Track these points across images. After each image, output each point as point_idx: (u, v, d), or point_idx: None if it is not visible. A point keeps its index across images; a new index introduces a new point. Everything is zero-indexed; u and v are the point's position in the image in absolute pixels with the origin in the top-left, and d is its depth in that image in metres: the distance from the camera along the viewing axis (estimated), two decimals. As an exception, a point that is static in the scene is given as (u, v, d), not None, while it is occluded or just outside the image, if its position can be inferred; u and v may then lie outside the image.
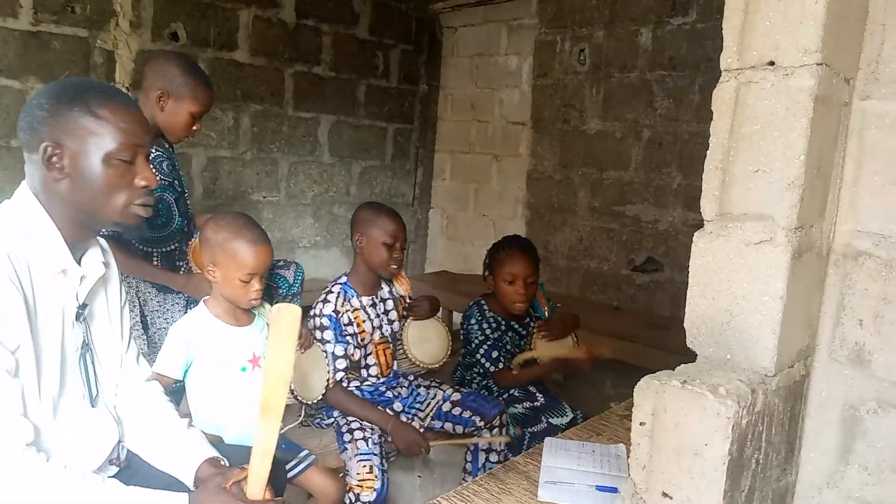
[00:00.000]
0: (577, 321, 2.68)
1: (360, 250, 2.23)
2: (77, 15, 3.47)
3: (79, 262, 1.30)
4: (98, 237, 1.39)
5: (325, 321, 2.15)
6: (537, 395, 2.52)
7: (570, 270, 4.44)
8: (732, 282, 1.18)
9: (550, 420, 2.42)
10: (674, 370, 1.20)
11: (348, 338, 2.18)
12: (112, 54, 3.59)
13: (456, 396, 2.31)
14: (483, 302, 2.57)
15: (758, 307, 1.15)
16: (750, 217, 1.16)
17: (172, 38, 3.82)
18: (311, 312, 2.18)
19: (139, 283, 2.29)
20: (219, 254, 1.79)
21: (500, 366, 2.46)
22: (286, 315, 1.28)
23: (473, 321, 2.52)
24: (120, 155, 1.24)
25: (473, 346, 2.48)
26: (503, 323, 2.56)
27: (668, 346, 2.97)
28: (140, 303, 2.30)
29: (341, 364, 2.14)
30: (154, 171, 2.21)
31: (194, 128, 2.30)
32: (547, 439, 1.93)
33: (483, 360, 2.47)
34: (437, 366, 2.44)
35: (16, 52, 3.31)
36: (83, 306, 1.31)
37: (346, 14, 4.64)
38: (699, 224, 1.26)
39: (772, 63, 1.15)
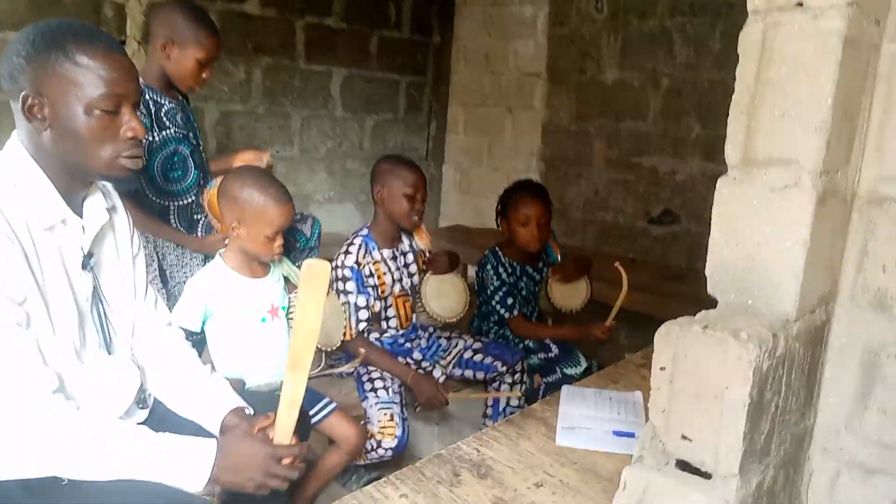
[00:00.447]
0: (590, 264, 2.75)
1: (382, 202, 2.23)
2: (86, -33, 3.43)
3: (80, 212, 1.28)
4: (102, 183, 1.35)
5: (348, 272, 2.17)
6: (551, 345, 2.56)
7: (585, 223, 4.42)
8: (755, 227, 1.18)
9: (565, 370, 2.46)
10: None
11: (369, 289, 2.20)
12: (122, 7, 3.55)
13: (477, 345, 2.35)
14: (497, 249, 2.63)
15: (781, 253, 1.15)
16: (775, 162, 1.15)
17: (182, -11, 3.76)
18: (333, 264, 2.20)
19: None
20: (247, 211, 1.80)
21: (515, 312, 2.52)
22: (315, 271, 1.29)
23: (489, 267, 2.58)
24: (102, 105, 1.18)
25: (489, 292, 2.53)
26: (518, 268, 2.62)
27: (684, 297, 2.99)
28: (158, 257, 2.32)
29: (363, 315, 2.17)
30: (168, 123, 2.24)
31: (203, 76, 2.26)
32: (564, 387, 1.96)
33: (498, 307, 2.52)
34: (454, 320, 2.47)
35: (26, 6, 3.28)
36: (89, 255, 1.29)
37: (358, -37, 4.55)
38: (718, 174, 1.24)
39: (800, 4, 1.12)
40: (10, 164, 1.20)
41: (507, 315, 2.52)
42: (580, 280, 2.69)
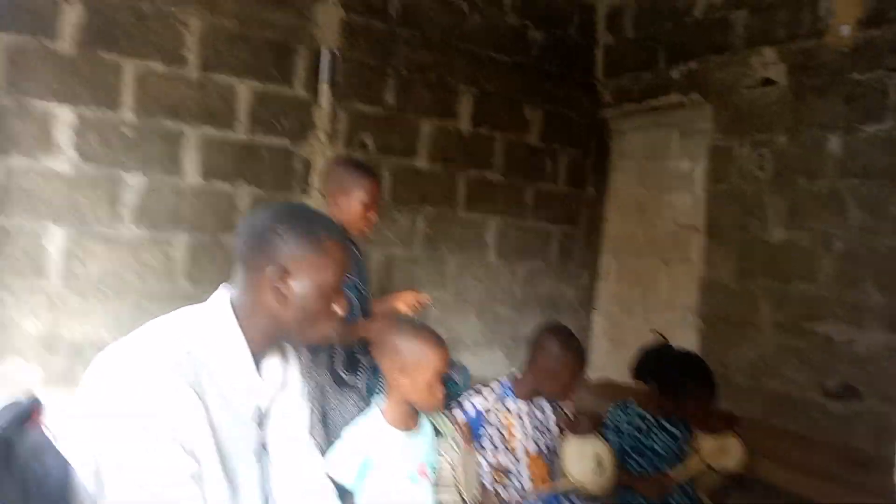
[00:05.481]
0: (735, 417, 2.54)
1: (534, 371, 2.24)
2: (283, 128, 3.93)
3: (259, 369, 1.36)
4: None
5: (470, 408, 2.18)
6: None
7: (750, 391, 4.06)
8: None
9: None
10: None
11: (488, 439, 2.16)
12: (309, 162, 4.00)
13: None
14: (633, 399, 2.52)
15: None
16: None
17: (362, 147, 4.18)
18: (461, 399, 2.20)
19: (322, 377, 2.43)
20: (409, 360, 1.86)
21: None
22: (457, 425, 1.29)
23: (619, 414, 2.50)
24: (334, 287, 1.34)
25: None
26: (654, 422, 2.46)
27: (868, 489, 2.62)
28: (320, 396, 2.43)
29: None
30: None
31: (370, 217, 2.52)
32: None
33: None
34: (598, 489, 2.23)
35: (231, 160, 3.78)
36: (262, 412, 1.37)
37: (519, 122, 4.84)
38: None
39: None
40: (213, 319, 1.31)
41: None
42: (728, 435, 2.46)
